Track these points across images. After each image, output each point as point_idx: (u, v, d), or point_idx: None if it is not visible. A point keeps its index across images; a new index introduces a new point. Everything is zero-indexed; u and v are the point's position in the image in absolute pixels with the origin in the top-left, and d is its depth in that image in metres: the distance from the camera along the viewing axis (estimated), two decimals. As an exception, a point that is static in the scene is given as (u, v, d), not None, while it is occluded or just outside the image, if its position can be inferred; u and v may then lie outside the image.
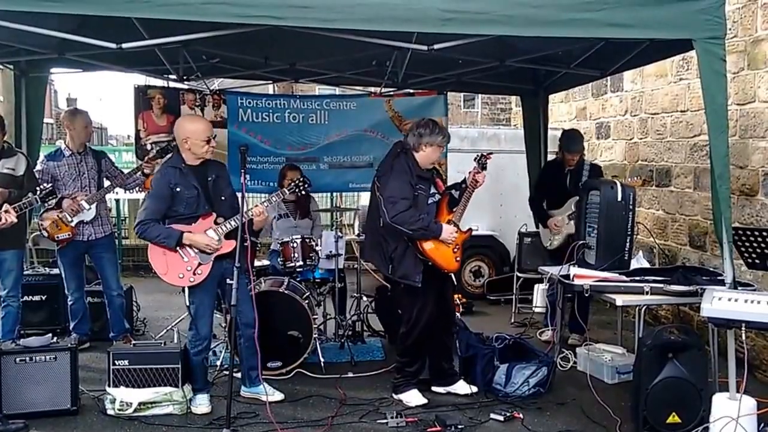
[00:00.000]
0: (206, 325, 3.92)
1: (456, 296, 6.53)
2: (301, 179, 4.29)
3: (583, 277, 4.22)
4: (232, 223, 3.86)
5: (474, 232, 7.41)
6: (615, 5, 3.23)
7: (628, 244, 4.50)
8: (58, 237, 4.71)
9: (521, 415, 3.88)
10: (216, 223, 3.87)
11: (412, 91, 6.28)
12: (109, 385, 3.90)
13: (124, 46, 3.56)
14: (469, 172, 4.15)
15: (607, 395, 4.11)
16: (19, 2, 2.99)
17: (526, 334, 5.58)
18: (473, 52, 4.51)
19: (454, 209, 4.12)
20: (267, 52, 5.23)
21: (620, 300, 3.93)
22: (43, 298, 5.32)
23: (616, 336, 5.19)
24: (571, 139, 5.44)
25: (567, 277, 4.28)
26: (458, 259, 4.06)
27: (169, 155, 4.19)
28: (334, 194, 7.04)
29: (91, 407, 3.94)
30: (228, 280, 3.75)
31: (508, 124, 14.45)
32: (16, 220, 3.54)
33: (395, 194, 3.87)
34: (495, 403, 4.09)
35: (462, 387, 4.24)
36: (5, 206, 3.51)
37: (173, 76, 5.45)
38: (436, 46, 3.69)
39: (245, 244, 3.73)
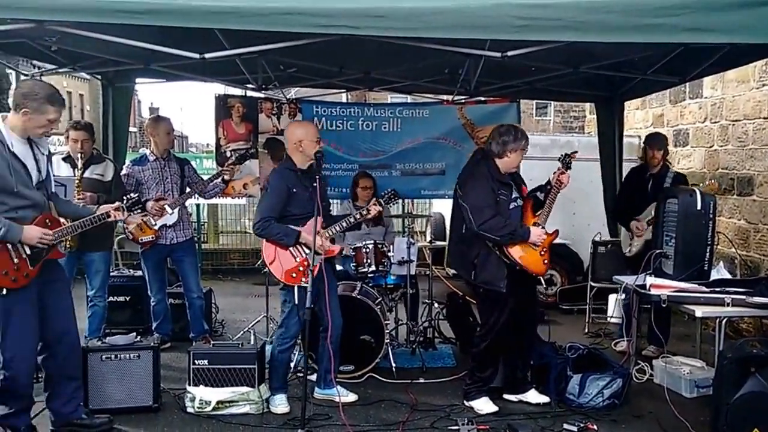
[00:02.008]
0: (296, 325, 4.01)
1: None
2: (392, 191, 4.37)
3: (660, 287, 4.09)
4: (344, 224, 4.08)
5: (549, 242, 7.35)
6: (694, 9, 3.09)
7: (707, 254, 4.35)
8: (141, 239, 4.96)
9: (595, 427, 3.79)
10: (323, 227, 4.00)
11: (484, 98, 6.26)
12: (189, 384, 4.06)
13: (206, 56, 3.72)
14: (554, 173, 4.09)
15: (685, 409, 3.97)
16: (109, 15, 3.16)
17: (601, 345, 5.44)
18: (547, 58, 4.46)
19: (539, 212, 4.08)
20: (342, 61, 5.33)
21: (699, 311, 3.79)
22: (128, 299, 5.58)
23: (695, 349, 5.00)
24: (655, 137, 5.34)
25: (643, 286, 4.16)
26: (546, 261, 4.01)
27: (255, 162, 4.34)
28: (406, 201, 7.07)
29: (172, 405, 4.11)
30: (303, 281, 3.85)
31: (581, 132, 14.10)
32: (123, 217, 3.79)
33: (479, 202, 3.87)
34: (568, 413, 4.01)
35: (534, 396, 4.17)
36: (116, 204, 3.74)
37: (252, 86, 5.64)
38: (509, 53, 3.66)
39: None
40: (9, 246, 3.26)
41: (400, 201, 7.55)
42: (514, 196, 4.04)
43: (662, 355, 4.77)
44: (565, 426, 3.78)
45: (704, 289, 4.01)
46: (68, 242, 4.56)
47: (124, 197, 3.88)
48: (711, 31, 3.14)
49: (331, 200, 6.11)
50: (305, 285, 3.71)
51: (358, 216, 4.14)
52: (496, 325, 3.97)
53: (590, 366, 4.28)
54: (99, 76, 5.70)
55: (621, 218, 5.59)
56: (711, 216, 4.37)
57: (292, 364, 4.68)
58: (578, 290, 6.78)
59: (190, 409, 3.99)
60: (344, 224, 4.10)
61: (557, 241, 6.97)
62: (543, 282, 7.00)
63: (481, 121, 6.07)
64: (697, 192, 4.43)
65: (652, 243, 4.79)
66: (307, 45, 3.62)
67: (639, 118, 8.35)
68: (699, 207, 4.33)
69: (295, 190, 3.96)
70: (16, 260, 3.29)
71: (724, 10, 3.11)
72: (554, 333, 5.39)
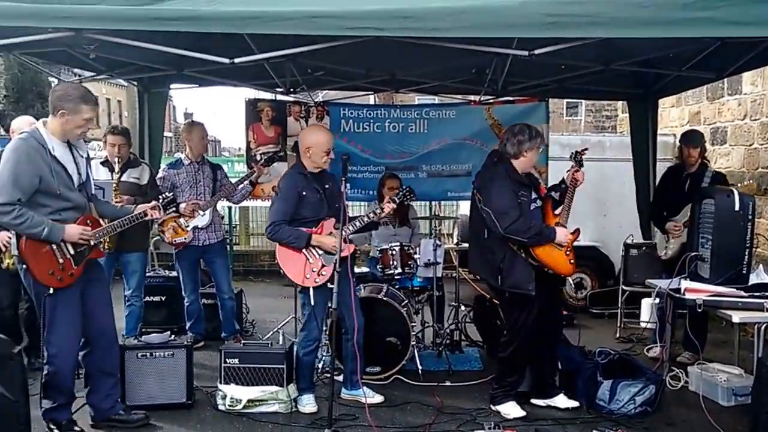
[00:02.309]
0: (317, 327, 4.07)
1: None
2: (408, 188, 4.35)
3: (696, 291, 3.99)
4: (357, 224, 4.08)
5: (575, 243, 7.25)
6: (732, 2, 2.97)
7: (746, 257, 4.20)
8: (175, 241, 5.07)
9: (626, 434, 3.72)
10: (335, 227, 4.03)
11: (512, 98, 6.21)
12: (220, 382, 4.13)
13: (236, 60, 3.79)
14: (568, 171, 4.06)
15: (721, 418, 3.86)
16: (142, 22, 3.24)
17: (633, 351, 5.33)
18: (576, 56, 4.41)
19: (558, 212, 4.04)
20: (368, 63, 5.37)
21: (737, 317, 3.69)
22: (163, 298, 5.70)
23: (733, 355, 4.85)
24: (692, 135, 5.20)
25: (677, 290, 4.07)
26: (572, 261, 3.97)
27: (282, 164, 4.40)
28: (433, 203, 7.06)
29: (204, 402, 4.19)
30: (329, 284, 3.88)
31: (613, 132, 13.87)
32: (160, 216, 3.91)
33: (503, 205, 3.82)
34: (598, 419, 3.93)
35: (563, 401, 4.12)
36: (152, 203, 3.85)
37: (281, 89, 5.72)
38: (537, 51, 3.61)
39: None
40: (54, 247, 3.38)
41: (427, 203, 7.57)
42: (533, 197, 4.00)
43: (698, 361, 4.65)
44: (594, 432, 3.73)
45: (742, 293, 3.89)
46: (106, 244, 4.71)
47: (160, 196, 3.98)
48: (749, 24, 3.02)
49: (358, 202, 6.17)
50: (320, 285, 3.73)
51: (372, 215, 4.13)
52: (523, 329, 3.94)
53: (621, 372, 4.20)
54: (135, 83, 5.86)
55: (656, 220, 5.47)
56: (750, 217, 4.23)
57: (320, 365, 4.74)
58: (609, 294, 6.66)
59: (221, 407, 4.06)
60: (357, 223, 4.10)
61: (587, 243, 7.05)
62: (572, 283, 6.93)
63: (509, 121, 5.97)
64: (735, 192, 4.30)
65: (687, 245, 4.68)
66: (333, 48, 3.66)
67: (674, 116, 8.18)
68: (737, 208, 4.20)
69: (304, 193, 3.99)
70: (61, 260, 3.41)
71: (764, 2, 3.00)
72: (584, 338, 5.30)
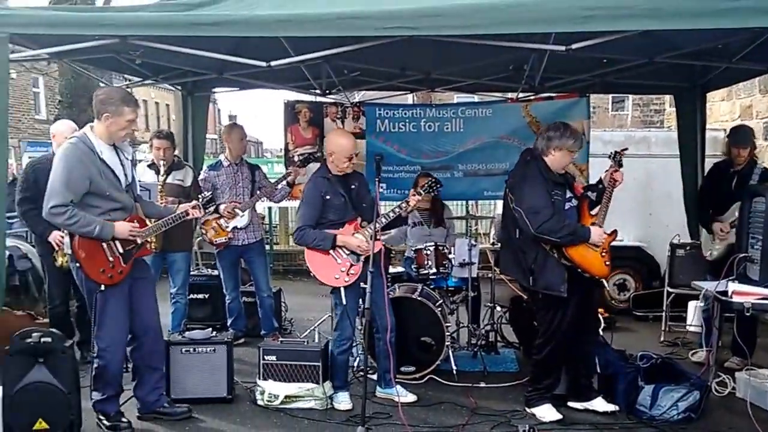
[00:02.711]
0: (350, 326, 4.11)
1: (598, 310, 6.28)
2: (434, 179, 4.34)
3: (744, 294, 3.86)
4: (383, 220, 4.09)
5: (619, 243, 7.05)
6: None
7: (799, 259, 4.03)
8: (216, 241, 5.21)
9: (667, 440, 3.63)
10: (361, 226, 4.07)
11: (552, 95, 6.11)
12: (259, 378, 4.22)
13: (272, 63, 3.87)
14: (606, 171, 3.97)
15: (770, 426, 3.71)
16: (183, 28, 3.37)
17: (677, 355, 5.18)
18: (617, 49, 4.29)
19: (595, 212, 3.95)
20: (403, 62, 5.38)
21: (788, 321, 3.53)
22: (206, 296, 5.85)
23: (785, 361, 4.66)
24: (740, 133, 5.01)
25: (725, 293, 3.94)
26: (608, 263, 3.88)
27: (318, 165, 4.46)
28: (469, 203, 7.00)
29: (244, 397, 4.29)
30: (362, 284, 3.92)
31: (661, 127, 13.46)
32: (201, 215, 4.04)
33: (535, 204, 3.75)
34: (638, 425, 3.84)
35: (601, 404, 4.03)
36: (193, 203, 3.97)
37: (317, 91, 5.79)
38: (574, 46, 3.56)
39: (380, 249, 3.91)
40: (104, 246, 3.53)
41: (463, 203, 7.50)
42: (568, 196, 3.92)
43: (746, 367, 4.48)
44: (633, 437, 3.65)
45: (794, 297, 3.75)
46: (153, 244, 4.87)
47: (199, 196, 4.10)
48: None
49: (394, 202, 6.17)
50: (351, 284, 3.74)
51: (398, 209, 4.12)
52: (558, 331, 3.87)
53: (664, 376, 4.08)
54: (179, 87, 6.03)
55: (702, 219, 5.30)
56: (804, 216, 4.06)
57: (355, 363, 4.78)
58: (654, 296, 6.47)
59: (260, 402, 4.14)
60: (384, 220, 4.09)
61: (631, 243, 6.86)
62: (606, 284, 6.78)
63: (548, 118, 5.89)
64: (788, 190, 4.13)
65: (735, 246, 4.52)
66: (368, 48, 3.70)
67: (725, 110, 7.90)
68: (791, 207, 4.04)
69: (328, 197, 4.04)
70: (111, 259, 3.56)
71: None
72: (627, 341, 5.22)
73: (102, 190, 3.49)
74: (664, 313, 5.96)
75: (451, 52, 4.35)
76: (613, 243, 6.92)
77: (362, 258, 3.98)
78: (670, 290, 5.92)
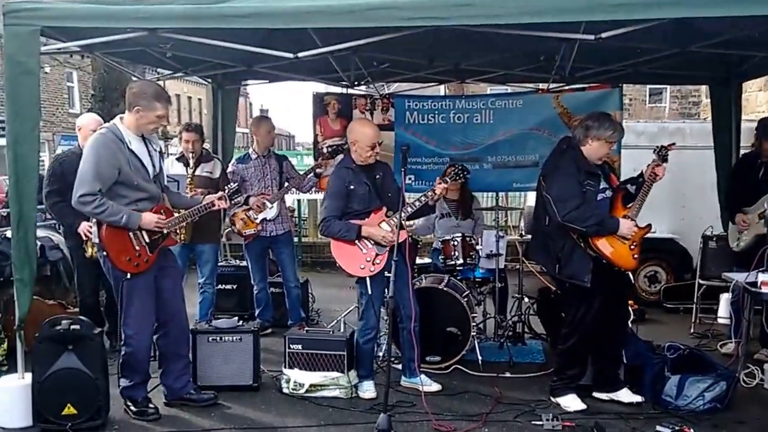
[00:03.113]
0: (374, 316, 4.15)
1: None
2: (460, 166, 4.33)
3: (774, 285, 3.78)
4: (409, 209, 4.10)
5: (651, 235, 6.92)
6: None
7: (830, 251, 3.94)
8: (245, 233, 5.29)
9: (691, 430, 3.57)
10: (387, 216, 4.10)
11: (584, 85, 6.03)
12: (285, 366, 4.29)
13: (300, 55, 3.91)
14: (648, 165, 3.90)
15: (799, 418, 3.65)
16: (211, 20, 3.43)
17: (707, 346, 5.12)
18: (648, 39, 4.22)
19: (630, 205, 3.91)
20: (431, 53, 5.36)
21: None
22: (235, 287, 5.97)
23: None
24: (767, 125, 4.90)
25: (754, 284, 3.87)
26: (636, 256, 3.83)
27: (341, 156, 4.50)
28: (499, 194, 6.95)
29: (270, 385, 4.36)
30: (386, 273, 3.95)
31: (698, 119, 13.16)
32: (227, 206, 4.11)
33: (564, 192, 3.76)
34: (663, 415, 3.81)
35: (626, 395, 4.01)
36: (219, 194, 4.06)
37: (345, 83, 5.82)
38: (603, 35, 3.51)
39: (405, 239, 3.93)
40: (131, 235, 3.63)
41: (493, 195, 7.46)
42: (602, 186, 3.89)
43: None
44: (658, 428, 3.60)
45: (825, 288, 3.67)
46: (182, 235, 4.99)
47: (225, 187, 4.18)
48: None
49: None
50: (376, 274, 3.78)
51: (424, 198, 4.11)
52: (583, 322, 3.85)
53: (691, 367, 4.04)
54: (209, 80, 6.13)
55: (729, 210, 5.24)
56: (835, 208, 3.97)
57: (380, 353, 4.82)
58: (686, 288, 6.38)
59: (285, 390, 4.21)
60: (409, 209, 4.08)
61: (663, 235, 6.75)
62: (632, 278, 6.68)
63: (579, 109, 5.82)
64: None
65: (766, 237, 4.43)
66: (396, 39, 3.70)
67: (762, 100, 7.70)
68: (820, 198, 3.95)
69: (352, 187, 4.06)
70: (137, 248, 3.66)
71: None
72: (656, 333, 5.18)
73: (130, 180, 3.59)
74: (694, 306, 5.87)
75: (480, 42, 4.33)
76: (646, 235, 6.91)
77: (387, 248, 4.01)
78: (702, 282, 5.82)
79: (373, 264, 4.03)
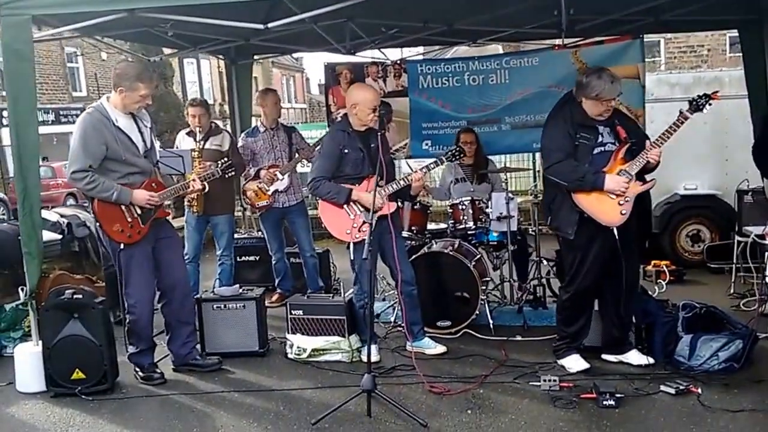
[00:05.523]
0: (368, 281, 4.13)
1: (663, 263, 5.90)
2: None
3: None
4: (393, 186, 4.06)
5: (692, 192, 6.51)
6: None
7: None
8: (258, 204, 5.36)
9: (699, 390, 3.39)
10: (378, 185, 4.05)
11: (603, 38, 5.72)
12: (288, 332, 4.36)
13: (270, 25, 3.91)
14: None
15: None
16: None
17: (745, 306, 4.81)
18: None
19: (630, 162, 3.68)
20: (424, 15, 5.17)
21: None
22: (257, 258, 6.07)
23: None
24: None
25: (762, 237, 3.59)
26: (624, 212, 3.61)
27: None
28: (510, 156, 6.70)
29: (278, 351, 4.44)
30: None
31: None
32: (201, 188, 4.15)
33: (551, 144, 3.70)
34: (672, 375, 3.61)
35: (635, 357, 3.82)
36: (192, 176, 4.14)
37: (343, 52, 5.70)
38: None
39: (399, 206, 3.90)
40: (123, 207, 3.77)
41: (502, 156, 7.21)
42: (601, 140, 3.67)
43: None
44: (662, 387, 3.43)
45: None
46: (195, 207, 5.14)
47: (219, 161, 4.24)
48: None
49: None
50: (360, 241, 3.77)
51: (402, 183, 4.07)
52: (577, 276, 3.71)
53: (707, 326, 3.81)
54: (222, 56, 6.21)
55: (759, 165, 4.88)
56: None
57: (391, 318, 4.80)
58: (731, 247, 5.97)
59: (290, 355, 4.29)
60: (394, 186, 4.05)
61: (705, 191, 6.35)
62: (687, 236, 6.31)
63: (598, 63, 5.49)
64: None
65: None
66: (384, 2, 3.60)
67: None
68: None
69: (346, 151, 4.02)
70: (129, 219, 3.79)
71: None
72: (693, 293, 4.94)
73: (118, 155, 3.71)
74: (734, 265, 5.50)
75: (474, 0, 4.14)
76: (686, 192, 6.45)
77: (376, 216, 3.97)
78: (740, 239, 5.44)
79: (359, 230, 3.99)
